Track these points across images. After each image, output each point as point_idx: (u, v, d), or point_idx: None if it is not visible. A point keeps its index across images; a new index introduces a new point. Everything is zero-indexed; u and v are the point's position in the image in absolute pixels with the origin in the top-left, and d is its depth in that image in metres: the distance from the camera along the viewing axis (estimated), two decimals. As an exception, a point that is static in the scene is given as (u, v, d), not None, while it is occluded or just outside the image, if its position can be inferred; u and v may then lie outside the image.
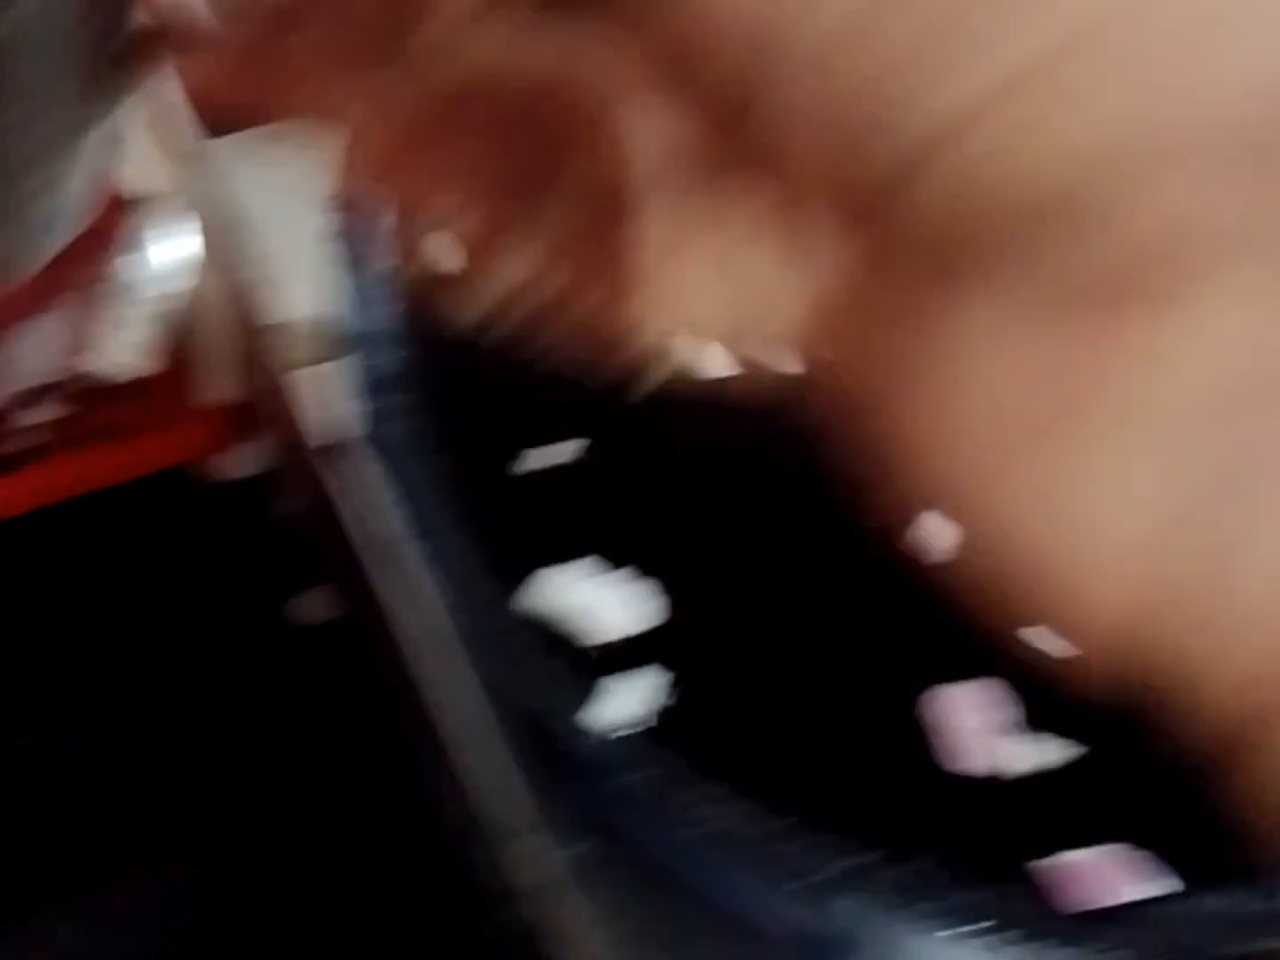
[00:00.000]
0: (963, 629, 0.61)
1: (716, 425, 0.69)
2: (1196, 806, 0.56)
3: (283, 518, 0.80)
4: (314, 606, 0.79)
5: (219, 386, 0.78)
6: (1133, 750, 0.59)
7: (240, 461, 0.80)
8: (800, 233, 0.28)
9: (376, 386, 0.70)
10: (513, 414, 0.72)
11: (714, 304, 0.30)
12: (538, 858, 0.63)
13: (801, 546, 0.68)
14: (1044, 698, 0.62)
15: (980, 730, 0.61)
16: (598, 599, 0.66)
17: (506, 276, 0.32)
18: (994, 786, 0.61)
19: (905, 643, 0.65)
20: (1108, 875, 0.58)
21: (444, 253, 0.33)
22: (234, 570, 0.79)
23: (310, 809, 0.74)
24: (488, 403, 0.73)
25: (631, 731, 0.63)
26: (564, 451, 0.71)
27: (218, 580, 0.79)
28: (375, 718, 0.74)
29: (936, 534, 0.65)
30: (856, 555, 0.66)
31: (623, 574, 0.66)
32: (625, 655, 0.65)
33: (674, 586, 0.66)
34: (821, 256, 0.28)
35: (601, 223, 0.30)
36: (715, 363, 0.31)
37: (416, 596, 0.67)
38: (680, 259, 0.29)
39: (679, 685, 0.64)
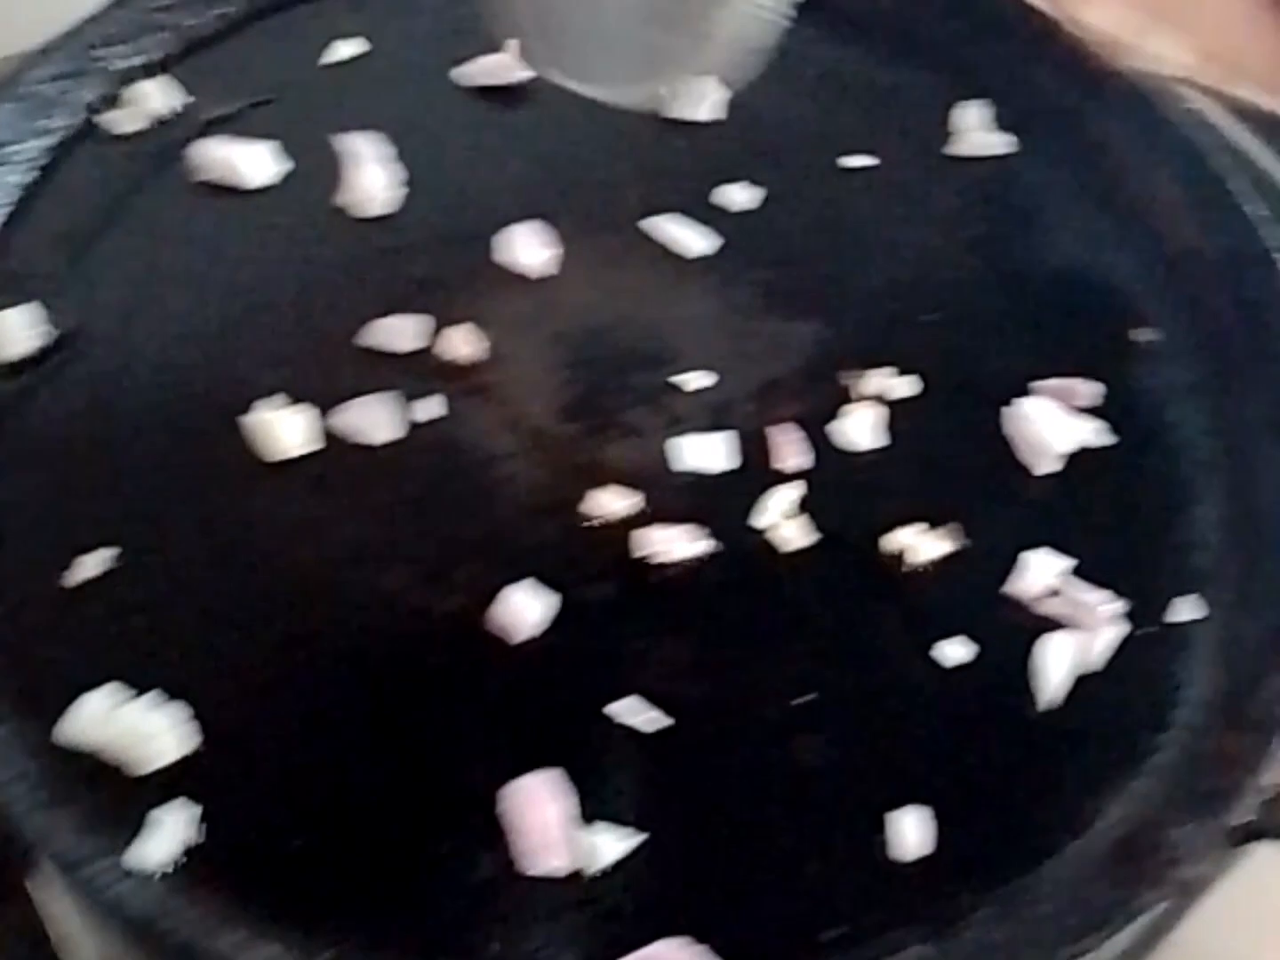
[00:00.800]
0: (539, 715, 0.61)
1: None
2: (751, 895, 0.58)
3: None
4: None
5: None
6: (691, 836, 0.58)
7: None
8: None
9: None
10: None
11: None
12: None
13: (357, 645, 0.64)
14: (603, 787, 0.60)
15: (557, 824, 0.58)
16: (127, 727, 0.60)
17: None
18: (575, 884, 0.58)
19: (478, 734, 0.62)
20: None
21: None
22: None
23: None
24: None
25: (164, 872, 0.57)
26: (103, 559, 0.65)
27: None
28: None
29: (523, 610, 0.63)
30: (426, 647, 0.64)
31: (151, 698, 0.60)
32: (158, 788, 0.59)
33: (204, 710, 0.60)
34: None
35: None
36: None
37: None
38: None
39: (210, 818, 0.58)
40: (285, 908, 0.57)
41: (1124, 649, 0.64)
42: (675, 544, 0.66)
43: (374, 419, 0.70)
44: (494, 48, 0.83)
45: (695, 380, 0.72)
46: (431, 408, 0.70)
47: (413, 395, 0.70)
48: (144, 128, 0.80)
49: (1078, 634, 0.64)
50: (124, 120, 0.80)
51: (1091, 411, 0.71)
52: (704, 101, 0.82)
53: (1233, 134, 0.81)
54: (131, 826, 0.58)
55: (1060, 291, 0.76)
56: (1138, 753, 0.62)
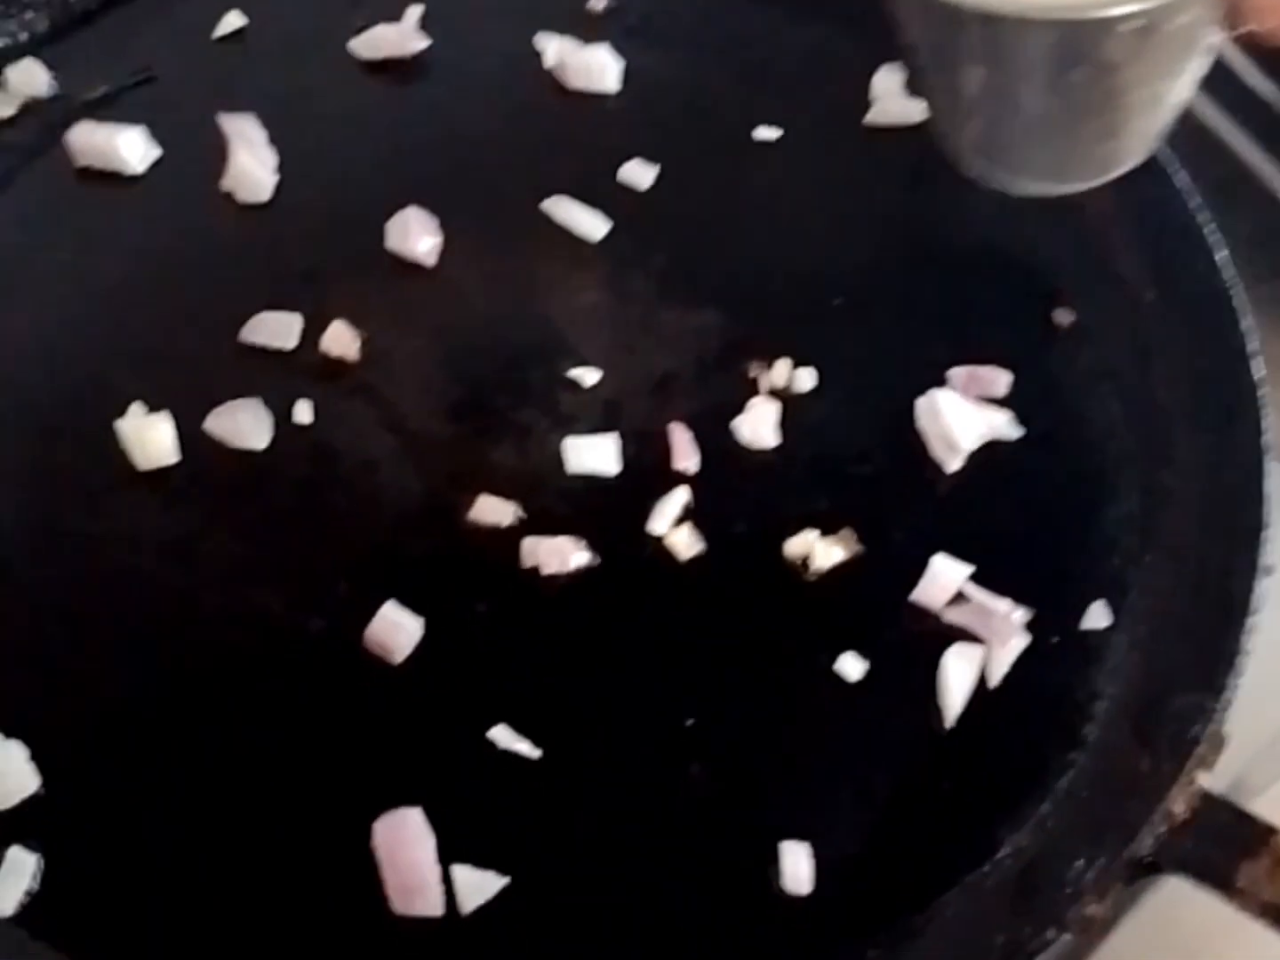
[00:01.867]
0: (415, 742, 0.58)
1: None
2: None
3: None
4: None
5: None
6: (566, 875, 0.55)
7: None
8: None
9: None
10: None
11: None
12: None
13: (220, 672, 0.61)
14: (477, 822, 0.57)
15: (428, 863, 0.55)
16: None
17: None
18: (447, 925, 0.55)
19: (350, 763, 0.59)
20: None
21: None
22: None
23: None
24: None
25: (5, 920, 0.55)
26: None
27: None
28: None
29: (401, 629, 0.60)
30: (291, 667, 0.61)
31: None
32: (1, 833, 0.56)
33: (45, 749, 0.57)
34: None
35: None
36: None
37: None
38: None
39: (51, 865, 0.55)
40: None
41: (1030, 660, 0.61)
42: (563, 554, 0.63)
43: (247, 424, 0.66)
44: (391, 17, 0.79)
45: (587, 376, 0.68)
46: (309, 410, 0.66)
47: (289, 396, 0.67)
48: (15, 113, 0.76)
49: (983, 645, 0.61)
50: (-6, 105, 0.76)
51: (1002, 402, 0.67)
52: (604, 72, 0.77)
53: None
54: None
55: (978, 272, 0.72)
56: (1041, 775, 0.59)
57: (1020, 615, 0.62)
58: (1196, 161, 0.72)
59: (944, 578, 0.62)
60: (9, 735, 0.58)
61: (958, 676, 0.60)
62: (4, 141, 0.75)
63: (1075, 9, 0.43)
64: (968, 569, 0.62)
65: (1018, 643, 0.61)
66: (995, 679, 0.61)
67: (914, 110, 0.77)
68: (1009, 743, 0.60)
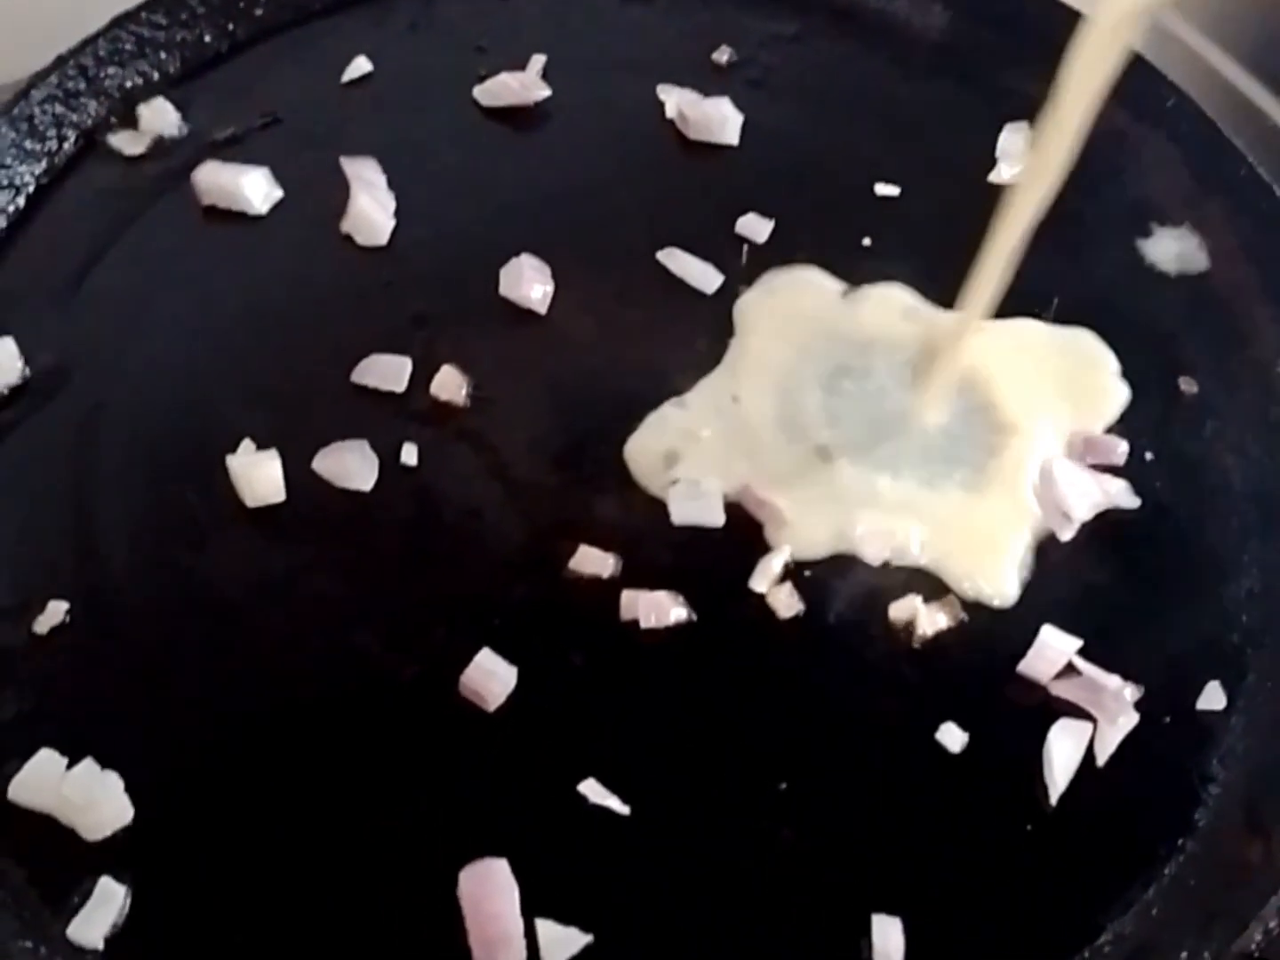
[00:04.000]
0: (505, 792, 0.57)
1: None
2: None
3: None
4: None
5: None
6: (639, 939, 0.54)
7: None
8: None
9: None
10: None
11: None
12: None
13: (316, 713, 0.61)
14: (563, 877, 0.56)
15: (511, 915, 0.54)
16: (58, 799, 0.57)
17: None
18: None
19: (439, 811, 0.58)
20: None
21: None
22: None
23: None
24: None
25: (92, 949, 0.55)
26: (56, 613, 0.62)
27: None
28: None
29: (496, 677, 0.60)
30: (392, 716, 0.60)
31: (84, 768, 0.57)
32: (92, 863, 0.56)
33: (138, 783, 0.58)
34: None
35: None
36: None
37: None
38: None
39: (139, 897, 0.55)
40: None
41: (1140, 739, 0.59)
42: (662, 608, 0.62)
43: (354, 464, 0.66)
44: (514, 66, 0.80)
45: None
46: (415, 453, 0.66)
47: (396, 439, 0.67)
48: (146, 150, 0.78)
49: (1092, 721, 0.59)
50: (125, 143, 0.78)
51: (1119, 471, 0.65)
52: (725, 124, 0.77)
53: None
54: (59, 902, 0.55)
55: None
56: (1148, 860, 0.57)
57: (1131, 692, 0.60)
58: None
59: (1053, 650, 0.61)
60: (106, 766, 0.58)
61: (1064, 753, 0.58)
62: (133, 178, 0.77)
63: None
64: (1077, 642, 0.60)
65: (1127, 721, 0.59)
66: (1103, 757, 0.59)
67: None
68: (1115, 824, 0.58)
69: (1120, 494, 0.65)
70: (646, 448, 0.66)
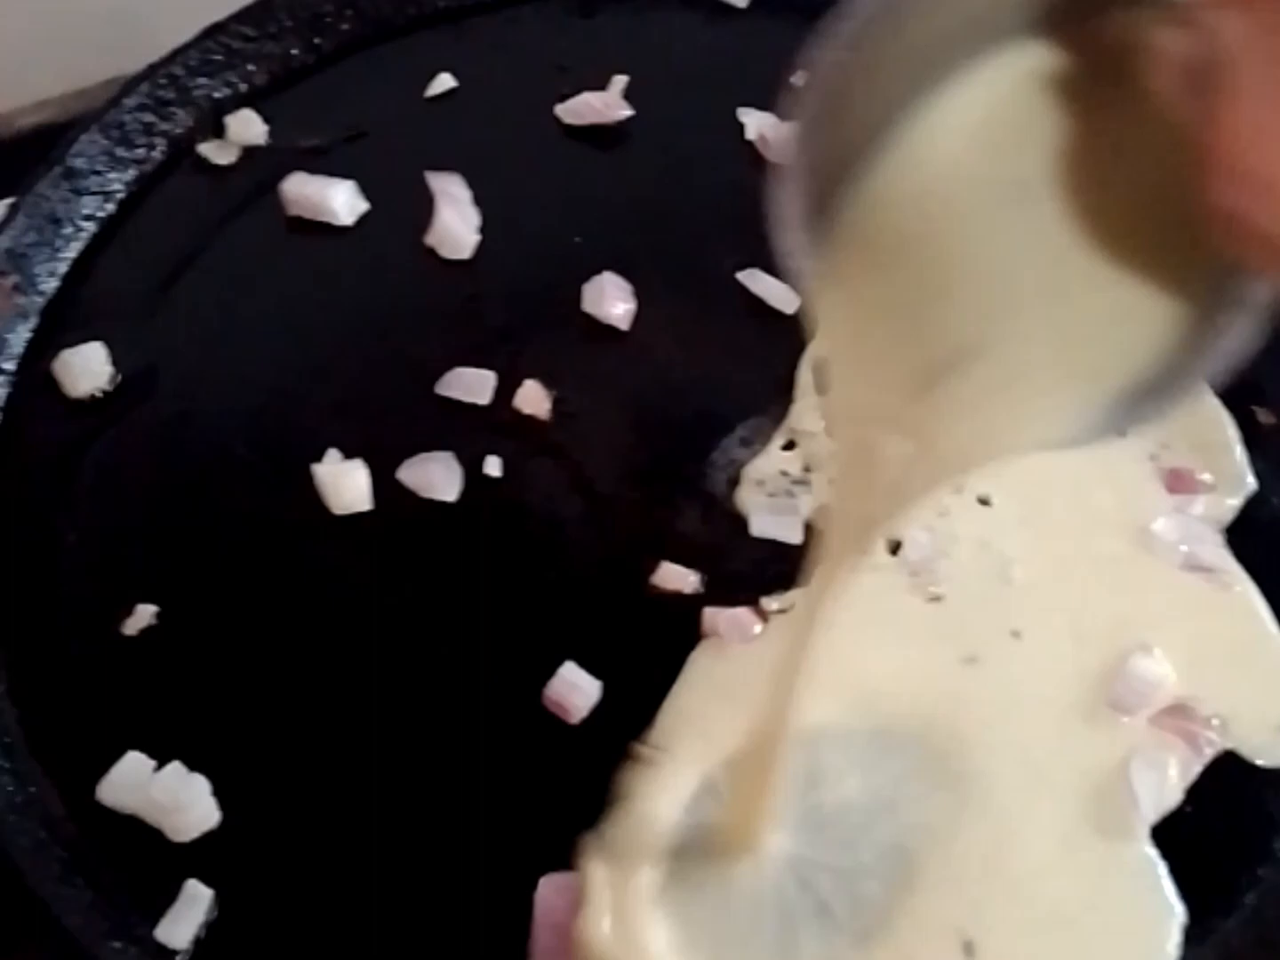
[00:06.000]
0: (580, 808, 0.58)
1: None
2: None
3: None
4: None
5: None
6: None
7: None
8: None
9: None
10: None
11: None
12: None
13: (402, 723, 0.61)
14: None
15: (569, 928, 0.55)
16: (147, 801, 0.58)
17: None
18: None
19: (519, 823, 0.59)
20: None
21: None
22: None
23: None
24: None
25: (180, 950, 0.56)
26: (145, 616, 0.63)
27: None
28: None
29: (580, 690, 0.61)
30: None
31: (172, 770, 0.58)
32: (180, 865, 0.57)
33: (225, 786, 0.58)
34: None
35: None
36: None
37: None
38: None
39: (225, 901, 0.56)
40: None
41: (1222, 768, 0.59)
42: (743, 625, 0.63)
43: (438, 475, 0.67)
44: (596, 85, 0.80)
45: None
46: (498, 466, 0.67)
47: (480, 451, 0.67)
48: (234, 161, 0.79)
49: (1175, 750, 0.59)
50: (213, 153, 0.79)
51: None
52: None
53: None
54: (147, 904, 0.56)
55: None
56: (1227, 890, 0.57)
57: (1217, 720, 0.60)
58: None
59: (1139, 679, 0.61)
60: (194, 769, 0.59)
61: (1146, 781, 0.58)
62: (221, 188, 0.78)
63: None
64: (1166, 669, 0.61)
65: (1211, 750, 0.59)
66: (1184, 785, 0.59)
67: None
68: (1195, 853, 0.58)
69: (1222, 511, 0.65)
70: None
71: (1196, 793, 0.59)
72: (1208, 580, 0.63)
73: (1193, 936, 0.56)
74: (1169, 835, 0.58)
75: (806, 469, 0.67)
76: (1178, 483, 0.66)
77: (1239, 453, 0.67)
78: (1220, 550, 0.64)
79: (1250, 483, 0.66)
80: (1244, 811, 0.59)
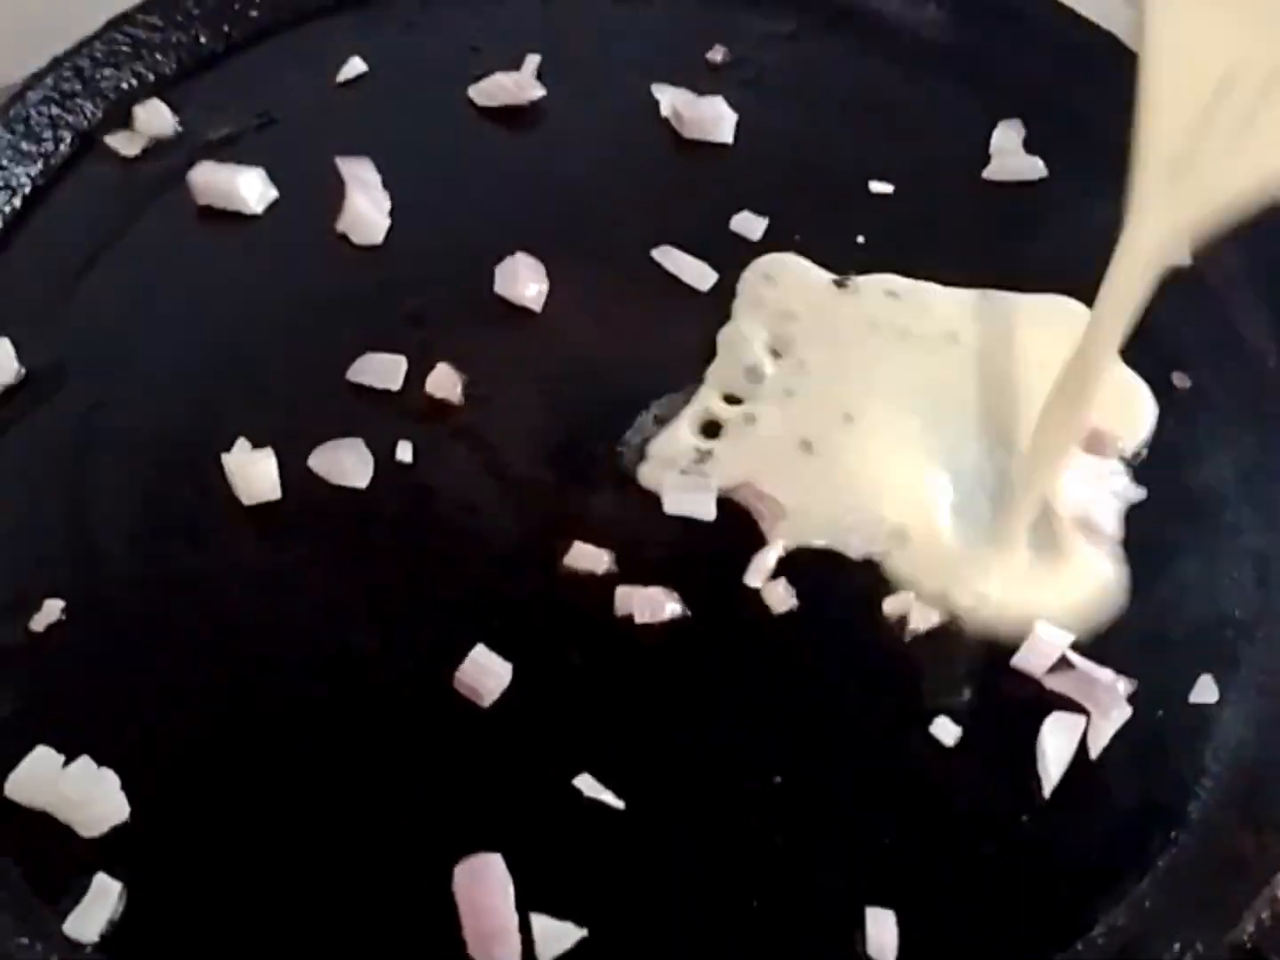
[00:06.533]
0: (500, 787, 0.57)
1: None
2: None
3: None
4: None
5: None
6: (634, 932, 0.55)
7: None
8: None
9: None
10: None
11: None
12: None
13: (313, 709, 0.61)
14: (559, 871, 0.57)
15: (506, 910, 0.55)
16: (54, 796, 0.57)
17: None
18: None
19: (435, 805, 0.58)
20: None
21: None
22: None
23: None
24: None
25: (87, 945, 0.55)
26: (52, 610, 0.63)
27: None
28: None
29: (492, 672, 0.60)
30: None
31: (80, 766, 0.57)
32: (89, 860, 0.57)
33: (134, 781, 0.58)
34: None
35: None
36: None
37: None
38: None
39: (134, 894, 0.56)
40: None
41: (1133, 733, 0.59)
42: (656, 604, 0.62)
43: (349, 462, 0.66)
44: (509, 65, 0.80)
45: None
46: (411, 451, 0.67)
47: (391, 437, 0.67)
48: (141, 151, 0.78)
49: (1085, 715, 0.59)
50: (121, 144, 0.78)
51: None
52: (719, 123, 0.77)
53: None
54: (56, 899, 0.56)
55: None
56: (1141, 852, 0.57)
57: (1124, 686, 0.60)
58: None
59: (1046, 644, 0.61)
60: (102, 763, 0.58)
61: (1057, 746, 0.59)
62: (129, 179, 0.77)
63: None
64: (1070, 636, 0.61)
65: (1120, 714, 0.59)
66: (1096, 750, 0.59)
67: (1031, 167, 0.76)
68: (1108, 817, 0.58)
69: (1128, 489, 0.65)
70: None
71: (1110, 754, 0.59)
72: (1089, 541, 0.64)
73: (1108, 899, 0.56)
74: (1083, 799, 0.58)
75: (714, 444, 0.67)
76: (1095, 443, 0.66)
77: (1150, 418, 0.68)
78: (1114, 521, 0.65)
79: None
80: (1157, 775, 0.59)
